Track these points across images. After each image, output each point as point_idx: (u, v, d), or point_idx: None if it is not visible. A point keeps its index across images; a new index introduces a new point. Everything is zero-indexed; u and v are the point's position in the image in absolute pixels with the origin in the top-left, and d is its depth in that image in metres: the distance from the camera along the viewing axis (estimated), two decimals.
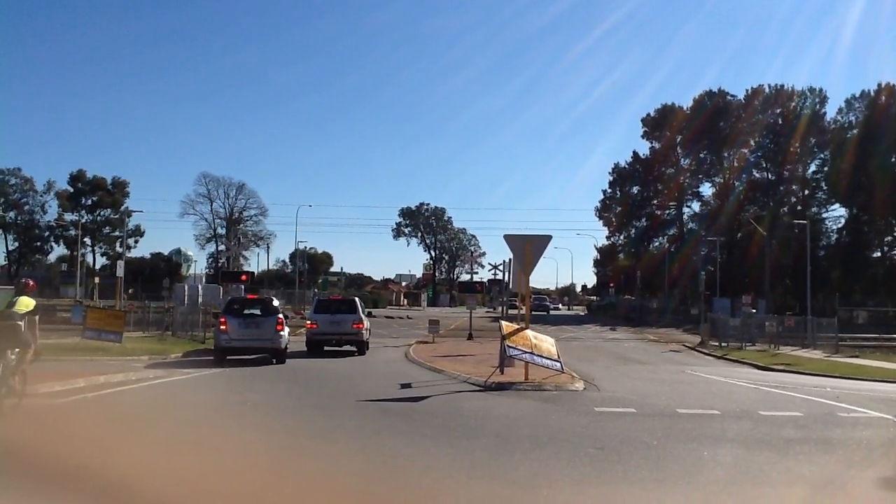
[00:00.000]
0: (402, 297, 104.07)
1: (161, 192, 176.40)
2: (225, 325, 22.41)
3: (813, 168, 74.30)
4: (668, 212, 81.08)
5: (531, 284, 19.22)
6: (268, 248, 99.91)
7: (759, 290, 64.61)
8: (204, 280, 75.73)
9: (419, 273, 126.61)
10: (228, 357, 21.94)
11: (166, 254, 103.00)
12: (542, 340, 17.47)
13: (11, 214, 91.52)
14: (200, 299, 42.21)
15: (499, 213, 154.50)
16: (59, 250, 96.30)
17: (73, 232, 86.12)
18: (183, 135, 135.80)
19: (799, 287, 53.75)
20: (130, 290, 63.69)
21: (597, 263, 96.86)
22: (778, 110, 73.51)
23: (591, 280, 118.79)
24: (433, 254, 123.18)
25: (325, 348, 26.66)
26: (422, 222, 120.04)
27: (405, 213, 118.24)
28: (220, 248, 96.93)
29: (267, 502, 6.43)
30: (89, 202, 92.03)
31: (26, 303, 11.13)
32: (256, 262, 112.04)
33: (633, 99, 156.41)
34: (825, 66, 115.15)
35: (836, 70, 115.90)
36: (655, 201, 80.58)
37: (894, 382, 20.73)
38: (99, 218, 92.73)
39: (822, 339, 34.60)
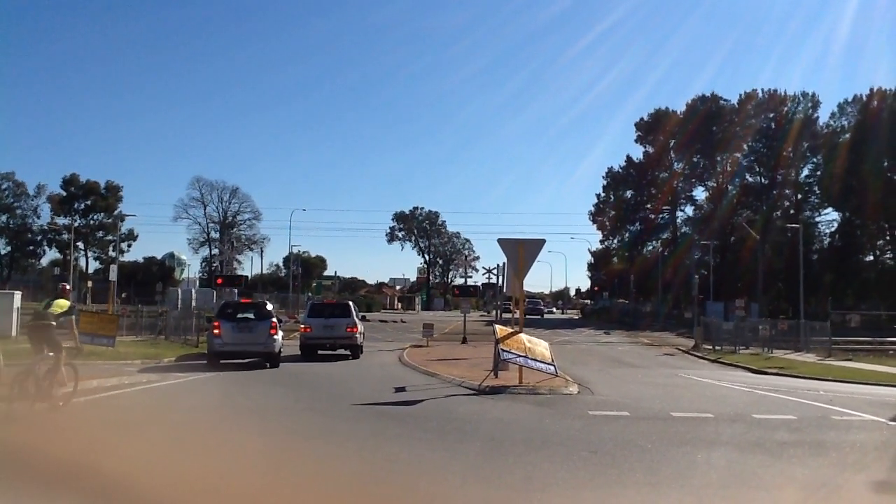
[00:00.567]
0: (396, 301, 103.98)
1: (154, 196, 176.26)
2: (218, 329, 22.38)
3: (805, 172, 74.62)
4: (661, 216, 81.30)
5: (525, 288, 19.25)
6: (261, 251, 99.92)
7: (752, 293, 64.81)
8: (197, 284, 75.69)
9: (413, 277, 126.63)
10: (222, 361, 21.89)
11: (159, 258, 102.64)
12: (536, 344, 17.49)
13: (3, 218, 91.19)
14: (194, 303, 42.20)
15: (493, 217, 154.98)
16: (51, 254, 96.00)
17: (65, 236, 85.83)
18: (176, 138, 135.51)
19: (792, 291, 53.86)
20: (123, 295, 63.35)
21: (591, 267, 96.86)
22: (771, 115, 73.77)
23: (584, 284, 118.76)
24: (427, 257, 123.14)
25: (319, 352, 26.65)
26: (415, 226, 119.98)
27: (399, 216, 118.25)
28: (213, 253, 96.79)
29: (263, 503, 6.43)
30: (82, 206, 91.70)
31: (61, 304, 12.10)
32: (250, 266, 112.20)
33: (626, 103, 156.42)
34: (818, 71, 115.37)
35: (829, 75, 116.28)
36: (649, 205, 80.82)
37: (887, 386, 20.82)
38: (92, 222, 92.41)
39: (816, 343, 34.78)
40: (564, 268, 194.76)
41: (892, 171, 66.85)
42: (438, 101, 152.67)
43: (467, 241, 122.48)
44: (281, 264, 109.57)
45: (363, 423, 11.34)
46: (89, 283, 62.00)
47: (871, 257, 72.46)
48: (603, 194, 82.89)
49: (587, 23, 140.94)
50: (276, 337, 22.47)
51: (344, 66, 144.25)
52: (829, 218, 73.92)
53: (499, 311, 43.63)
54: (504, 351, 16.50)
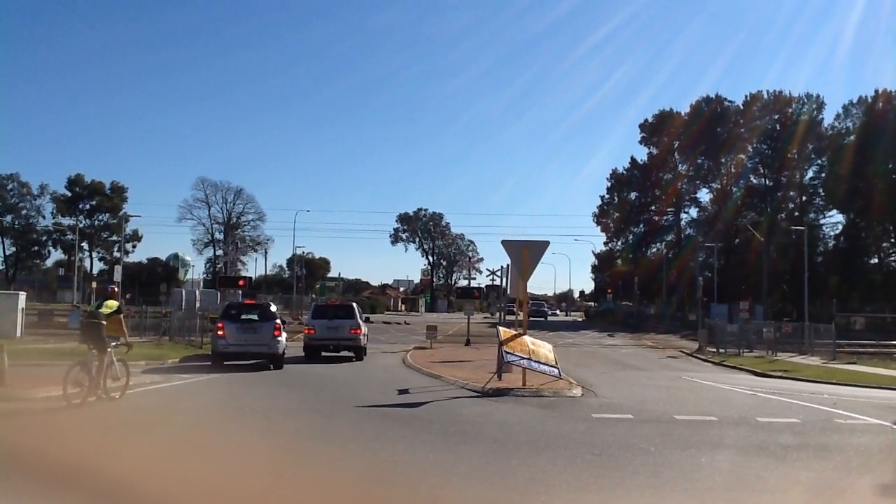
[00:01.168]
0: (399, 303, 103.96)
1: (159, 197, 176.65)
2: (222, 330, 22.41)
3: (810, 174, 74.54)
4: (665, 217, 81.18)
5: (529, 290, 19.24)
6: (265, 253, 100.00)
7: (756, 296, 64.72)
8: (201, 285, 75.74)
9: (417, 278, 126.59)
10: (226, 362, 21.92)
11: (164, 259, 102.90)
12: (540, 346, 17.47)
13: (8, 219, 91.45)
14: (198, 304, 42.22)
15: (496, 219, 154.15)
16: (56, 255, 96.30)
17: (70, 236, 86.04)
18: (181, 139, 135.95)
19: (796, 293, 53.82)
20: (128, 295, 63.53)
21: (594, 269, 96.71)
22: (775, 116, 73.68)
23: (588, 286, 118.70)
24: (431, 259, 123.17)
25: (323, 354, 26.67)
26: (419, 228, 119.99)
27: (403, 218, 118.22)
28: (217, 253, 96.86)
29: None
30: (87, 206, 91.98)
31: (110, 304, 13.38)
32: (254, 267, 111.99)
33: (631, 105, 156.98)
34: (823, 73, 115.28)
35: (834, 76, 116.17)
36: (653, 207, 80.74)
37: (892, 389, 20.74)
38: (97, 222, 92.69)
39: (820, 346, 34.63)
40: (568, 270, 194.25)
41: None
42: (442, 103, 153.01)
43: (471, 242, 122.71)
44: (285, 265, 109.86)
45: (367, 424, 11.34)
46: (94, 284, 62.03)
47: (876, 259, 72.27)
48: (607, 196, 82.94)
49: (591, 24, 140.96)
50: (279, 338, 22.50)
51: (348, 68, 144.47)
52: (834, 220, 73.97)
53: (502, 314, 43.67)
54: (508, 353, 16.49)
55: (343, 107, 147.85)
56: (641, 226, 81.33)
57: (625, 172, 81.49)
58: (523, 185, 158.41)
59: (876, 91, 70.34)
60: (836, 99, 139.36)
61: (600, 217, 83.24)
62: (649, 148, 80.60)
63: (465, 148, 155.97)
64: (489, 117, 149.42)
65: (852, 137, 69.56)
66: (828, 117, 73.46)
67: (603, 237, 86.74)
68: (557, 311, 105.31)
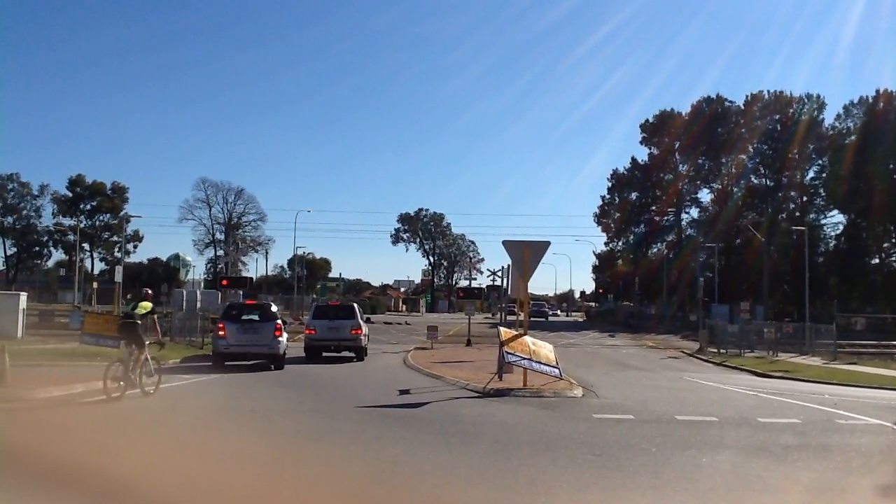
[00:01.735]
0: (400, 303, 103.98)
1: (160, 198, 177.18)
2: (223, 330, 22.41)
3: (811, 174, 74.53)
4: (666, 218, 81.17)
5: (529, 290, 19.25)
6: (266, 253, 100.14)
7: (757, 296, 64.69)
8: (202, 285, 75.80)
9: (418, 279, 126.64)
10: (227, 363, 21.90)
11: (165, 259, 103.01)
12: (541, 347, 17.48)
13: (9, 219, 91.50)
14: (199, 304, 42.24)
15: (497, 219, 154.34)
16: (57, 255, 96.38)
17: (71, 237, 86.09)
18: (182, 139, 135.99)
19: (797, 293, 53.82)
20: (129, 296, 63.57)
21: (595, 269, 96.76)
22: (776, 116, 73.68)
23: (589, 286, 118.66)
24: (432, 259, 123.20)
25: (324, 354, 26.67)
26: (420, 228, 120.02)
27: (404, 218, 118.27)
28: (218, 254, 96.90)
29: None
30: (88, 207, 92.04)
31: (145, 306, 14.66)
32: (255, 267, 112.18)
33: (631, 105, 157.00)
34: (823, 73, 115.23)
35: (835, 76, 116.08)
36: (654, 207, 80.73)
37: (892, 389, 20.75)
38: (98, 223, 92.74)
39: (821, 346, 34.64)
40: (569, 270, 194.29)
41: None
42: (443, 103, 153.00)
43: (472, 243, 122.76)
44: (286, 266, 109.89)
45: (367, 425, 11.34)
46: (95, 284, 62.07)
47: (877, 260, 72.25)
48: (608, 196, 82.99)
49: (592, 24, 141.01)
50: (280, 338, 22.49)
51: (348, 69, 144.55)
52: (835, 220, 73.94)
53: (503, 314, 43.68)
54: (508, 353, 16.49)
55: (343, 107, 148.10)
56: (642, 226, 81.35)
57: (625, 172, 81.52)
58: (524, 185, 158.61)
59: (877, 91, 70.48)
60: (836, 99, 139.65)
61: (601, 217, 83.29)
62: (650, 148, 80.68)
63: (466, 148, 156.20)
64: (489, 117, 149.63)
65: (853, 138, 69.57)
66: (828, 117, 73.65)
67: (604, 237, 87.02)
68: (558, 312, 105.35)
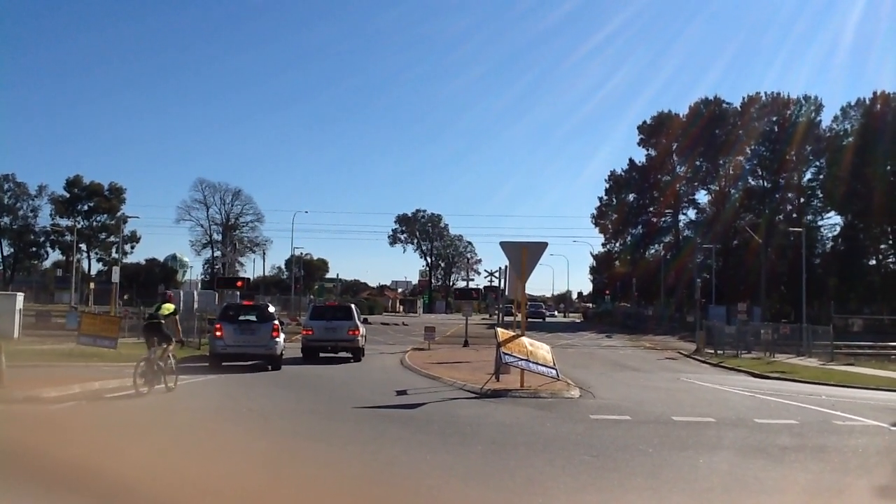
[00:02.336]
0: (397, 304, 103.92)
1: (157, 198, 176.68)
2: (220, 331, 22.40)
3: (809, 176, 74.64)
4: (664, 219, 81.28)
5: (527, 291, 19.25)
6: (264, 254, 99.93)
7: (754, 297, 64.75)
8: (199, 286, 75.70)
9: (415, 280, 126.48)
10: (224, 363, 21.89)
11: (162, 260, 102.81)
12: (538, 347, 17.47)
13: (6, 220, 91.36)
14: (196, 305, 42.16)
15: (495, 220, 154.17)
16: (54, 256, 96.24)
17: (68, 237, 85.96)
18: (179, 140, 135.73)
19: (794, 295, 53.83)
20: (126, 296, 63.49)
21: (593, 270, 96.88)
22: (774, 118, 73.72)
23: (587, 287, 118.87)
24: (429, 260, 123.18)
25: (321, 355, 26.65)
26: (418, 229, 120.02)
27: (401, 219, 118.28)
28: (215, 255, 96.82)
29: None
30: (85, 207, 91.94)
31: (168, 307, 15.54)
32: (252, 268, 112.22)
33: (630, 107, 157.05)
34: (821, 75, 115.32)
35: (832, 78, 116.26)
36: (651, 208, 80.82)
37: (889, 390, 20.76)
38: (95, 223, 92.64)
39: (818, 347, 34.67)
40: (567, 271, 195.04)
41: (895, 175, 66.78)
42: (441, 104, 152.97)
43: (469, 244, 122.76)
44: (283, 266, 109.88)
45: (364, 425, 11.34)
46: (92, 285, 62.00)
47: (874, 261, 72.38)
48: (605, 198, 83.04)
49: (591, 27, 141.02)
50: (277, 339, 22.49)
51: (347, 70, 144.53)
52: (833, 222, 74.06)
53: (501, 315, 43.67)
54: (506, 354, 16.49)
55: (343, 108, 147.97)
56: (640, 227, 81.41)
57: (623, 174, 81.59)
58: (522, 186, 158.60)
59: (874, 93, 70.54)
60: (834, 101, 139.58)
61: (599, 218, 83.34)
62: (648, 150, 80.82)
63: (465, 149, 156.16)
64: (489, 118, 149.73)
65: (850, 139, 69.63)
66: (826, 119, 73.68)
67: (601, 238, 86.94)
68: (556, 313, 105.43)
